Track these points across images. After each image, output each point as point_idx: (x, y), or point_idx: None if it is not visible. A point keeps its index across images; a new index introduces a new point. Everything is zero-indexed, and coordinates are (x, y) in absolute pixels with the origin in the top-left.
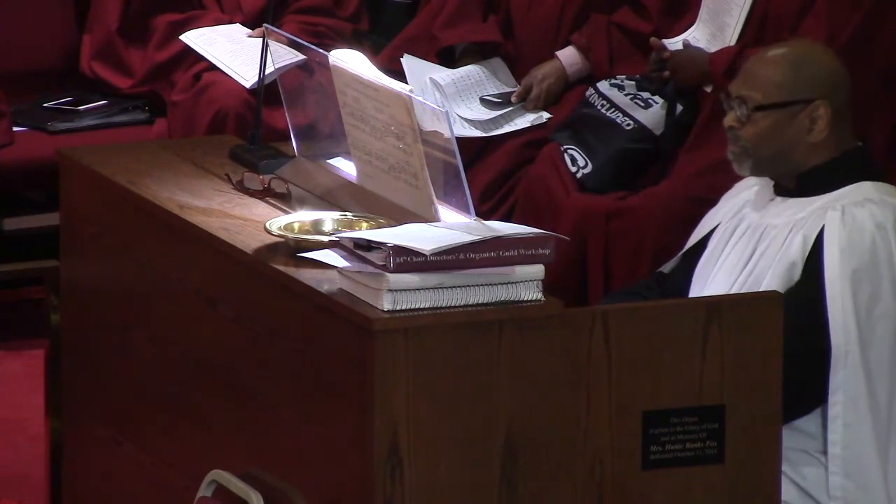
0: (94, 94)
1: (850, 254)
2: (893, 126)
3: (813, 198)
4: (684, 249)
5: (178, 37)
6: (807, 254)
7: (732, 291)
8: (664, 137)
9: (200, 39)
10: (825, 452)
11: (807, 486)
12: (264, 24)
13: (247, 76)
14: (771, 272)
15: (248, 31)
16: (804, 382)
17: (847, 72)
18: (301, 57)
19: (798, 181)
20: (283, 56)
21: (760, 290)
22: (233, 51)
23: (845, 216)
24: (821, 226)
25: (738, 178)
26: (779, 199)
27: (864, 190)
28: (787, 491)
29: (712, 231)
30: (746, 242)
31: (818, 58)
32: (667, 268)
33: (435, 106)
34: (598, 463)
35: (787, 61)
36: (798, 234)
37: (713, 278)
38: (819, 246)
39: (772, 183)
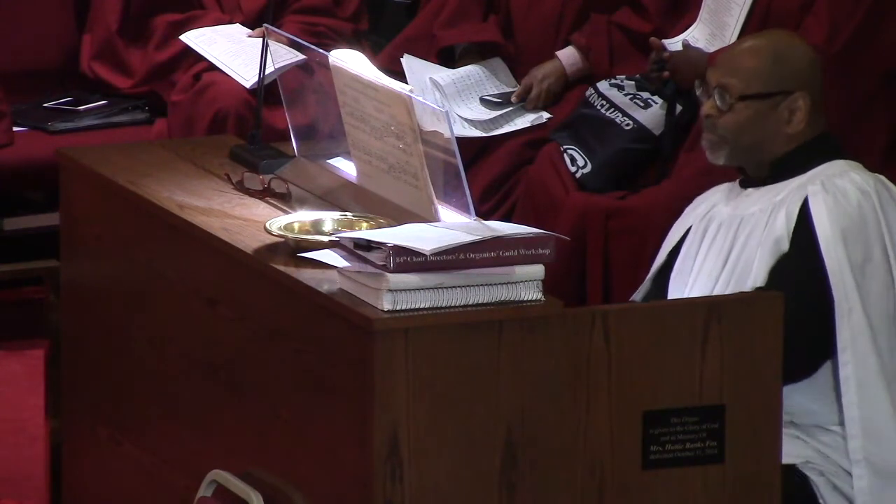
0: (94, 94)
1: (838, 215)
2: (893, 126)
3: (786, 181)
4: (652, 273)
5: (178, 37)
6: (792, 226)
7: (718, 287)
8: (663, 137)
9: (200, 39)
10: (839, 424)
11: (827, 451)
12: (264, 25)
13: (247, 76)
14: (758, 255)
15: (248, 31)
16: (810, 340)
17: (819, 62)
18: (301, 57)
19: (771, 168)
20: (283, 56)
21: (750, 277)
22: (233, 51)
23: (827, 185)
24: (802, 199)
25: (734, 177)
26: (748, 190)
27: (839, 165)
28: (809, 454)
29: (680, 243)
30: (724, 237)
31: (797, 50)
32: (638, 295)
33: (435, 106)
34: (598, 463)
35: (768, 52)
36: (780, 213)
37: (694, 282)
38: (805, 215)
39: (737, 181)
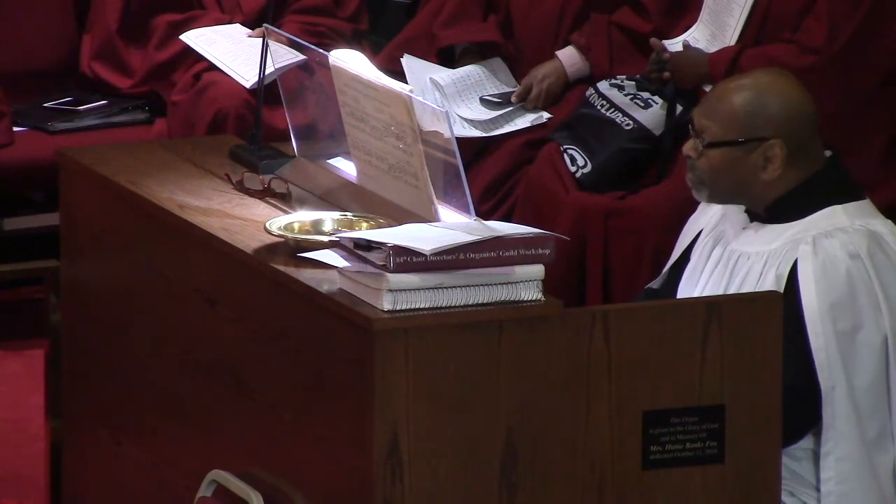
0: (94, 94)
1: (827, 287)
2: (893, 126)
3: (784, 224)
4: (670, 264)
5: (178, 37)
6: (781, 290)
7: None
8: (664, 137)
9: (200, 39)
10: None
11: (798, 468)
12: (264, 25)
13: (247, 76)
14: None
15: (248, 31)
16: (794, 416)
17: (809, 109)
18: (301, 57)
19: (767, 211)
20: (283, 56)
21: None
22: (233, 51)
23: (817, 248)
24: (793, 261)
25: None
26: (753, 224)
27: (834, 217)
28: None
29: (695, 240)
30: (722, 270)
31: (779, 95)
32: (657, 283)
33: (435, 106)
34: (598, 463)
35: (746, 97)
36: (771, 270)
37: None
38: (793, 283)
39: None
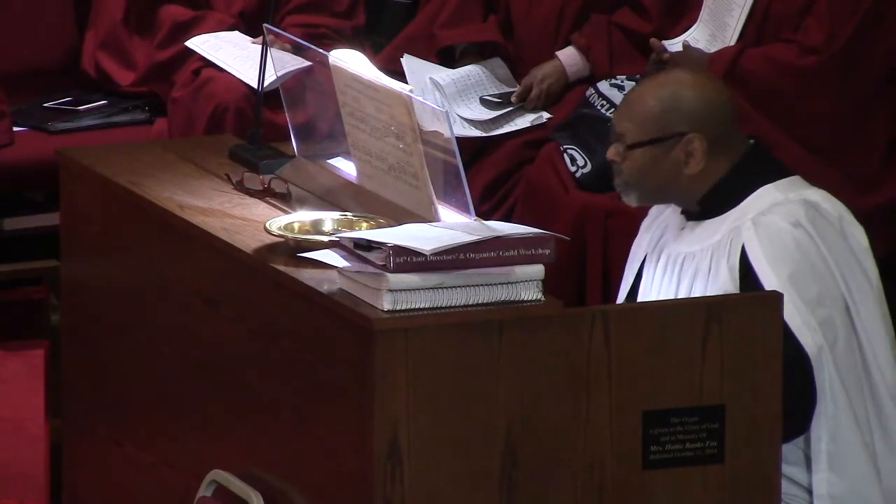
0: (95, 94)
1: (780, 260)
2: (893, 126)
3: (721, 217)
4: (624, 294)
5: (183, 41)
6: (737, 280)
7: None
8: None
9: (206, 45)
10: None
11: (790, 472)
12: (264, 25)
13: (256, 80)
14: None
15: (251, 38)
16: (794, 395)
17: (723, 99)
18: (305, 63)
19: (700, 206)
20: (287, 63)
21: None
22: (239, 56)
23: (758, 228)
24: (740, 248)
25: None
26: (689, 224)
27: (767, 196)
28: None
29: (643, 266)
30: (671, 275)
31: (691, 90)
32: None
33: (435, 106)
34: (598, 463)
35: (660, 95)
36: (721, 262)
37: None
38: (747, 268)
39: (679, 208)
